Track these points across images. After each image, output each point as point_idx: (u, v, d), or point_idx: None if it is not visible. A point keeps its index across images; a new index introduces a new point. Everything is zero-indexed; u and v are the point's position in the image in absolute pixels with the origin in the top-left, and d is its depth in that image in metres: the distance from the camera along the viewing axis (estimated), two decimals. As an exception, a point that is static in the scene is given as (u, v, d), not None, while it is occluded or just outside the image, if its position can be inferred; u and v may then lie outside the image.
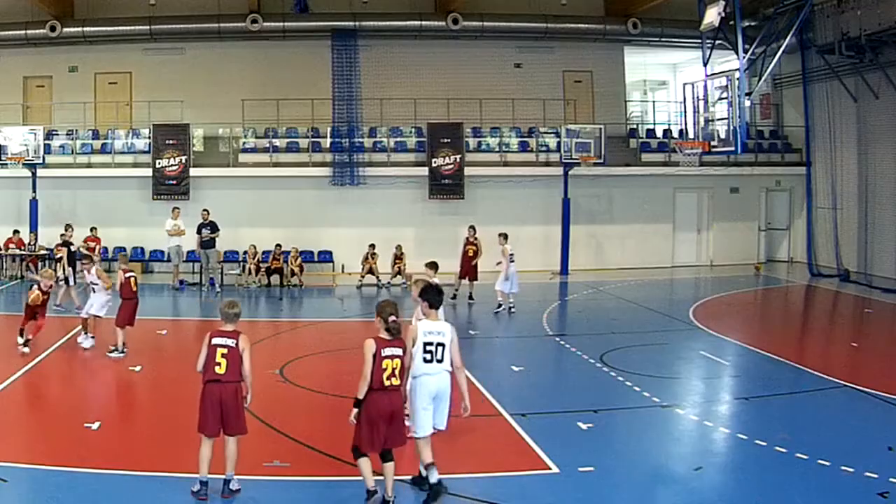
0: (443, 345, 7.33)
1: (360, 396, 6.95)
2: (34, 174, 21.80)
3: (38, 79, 24.32)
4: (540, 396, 10.79)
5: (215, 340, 7.25)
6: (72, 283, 16.96)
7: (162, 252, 22.15)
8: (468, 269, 18.68)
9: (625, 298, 19.51)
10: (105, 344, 12.80)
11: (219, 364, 7.17)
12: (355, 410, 7.00)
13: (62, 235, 19.00)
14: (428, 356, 7.28)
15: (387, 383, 6.93)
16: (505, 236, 17.42)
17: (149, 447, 8.60)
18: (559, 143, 23.35)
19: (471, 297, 18.35)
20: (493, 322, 16.49)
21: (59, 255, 21.24)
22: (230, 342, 7.23)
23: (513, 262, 16.89)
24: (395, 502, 7.12)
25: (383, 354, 6.93)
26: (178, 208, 20.93)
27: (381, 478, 7.14)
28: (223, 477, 7.30)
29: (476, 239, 18.84)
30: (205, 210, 20.50)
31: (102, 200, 22.54)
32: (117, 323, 12.72)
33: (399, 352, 7.01)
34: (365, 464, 7.09)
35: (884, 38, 19.98)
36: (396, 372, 6.96)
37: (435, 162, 23.24)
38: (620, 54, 26.20)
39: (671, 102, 27.67)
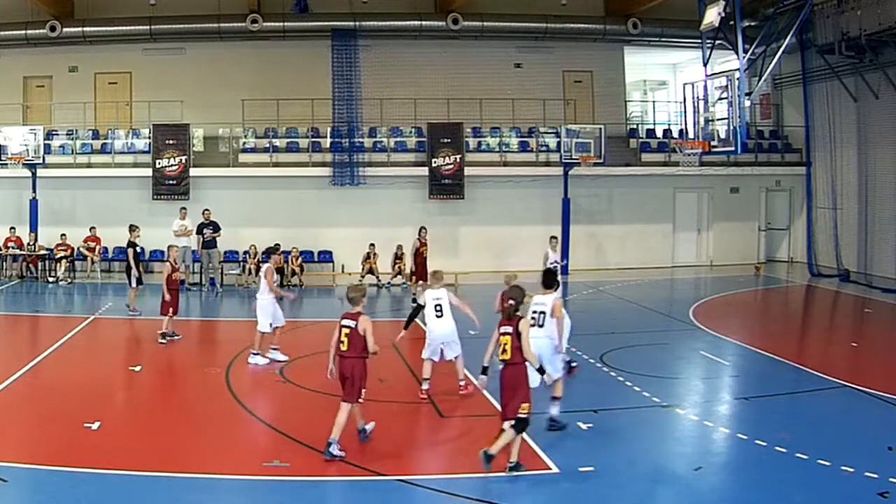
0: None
1: (485, 363, 8.44)
2: (34, 174, 21.80)
3: (38, 79, 24.31)
4: (540, 396, 10.76)
5: (342, 322, 8.46)
6: (136, 284, 16.79)
7: (163, 252, 22.08)
8: (423, 272, 18.65)
9: (625, 298, 19.51)
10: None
11: (342, 342, 8.36)
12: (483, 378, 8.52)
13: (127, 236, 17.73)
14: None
15: (501, 357, 8.04)
16: (556, 239, 17.36)
17: (149, 447, 8.60)
18: (559, 143, 23.35)
19: (415, 300, 18.13)
20: (492, 322, 16.43)
21: (59, 255, 21.35)
22: (351, 323, 8.37)
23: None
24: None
25: (500, 331, 8.13)
26: (185, 208, 20.85)
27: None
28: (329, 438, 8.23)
29: (426, 240, 19.05)
30: (206, 210, 20.50)
31: (102, 200, 22.54)
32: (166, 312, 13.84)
33: (510, 330, 8.02)
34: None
35: (884, 38, 19.97)
36: (507, 347, 8.00)
37: (435, 162, 23.24)
38: (620, 54, 26.20)
39: (671, 102, 27.65)
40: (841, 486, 7.64)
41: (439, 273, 11.03)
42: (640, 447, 8.98)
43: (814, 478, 7.87)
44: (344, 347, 8.34)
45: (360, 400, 8.43)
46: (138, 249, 17.08)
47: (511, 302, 8.11)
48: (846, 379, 11.43)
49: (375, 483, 7.71)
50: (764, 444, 8.74)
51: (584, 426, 9.39)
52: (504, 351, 7.98)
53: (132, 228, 16.96)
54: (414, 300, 17.83)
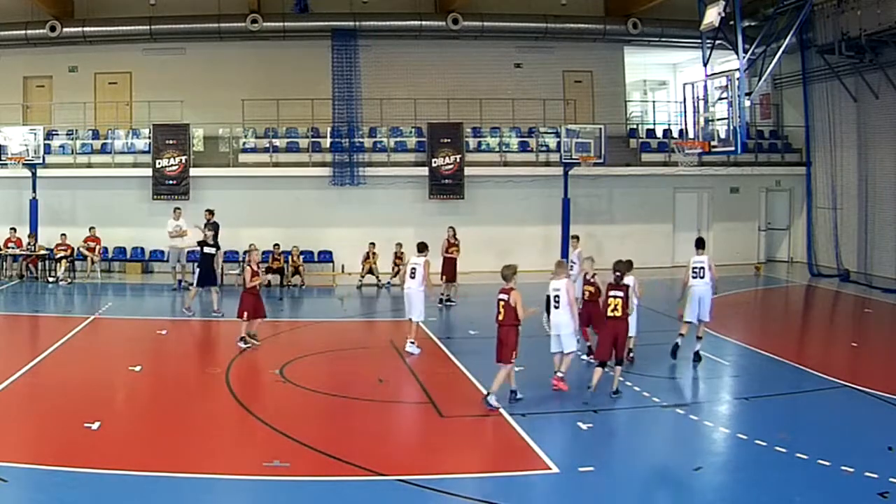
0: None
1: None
2: (34, 174, 21.76)
3: (38, 79, 24.28)
4: (540, 396, 10.78)
5: (499, 296, 10.07)
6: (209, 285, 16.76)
7: (162, 252, 22.12)
8: (451, 271, 18.59)
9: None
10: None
11: (500, 312, 10.03)
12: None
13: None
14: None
15: (610, 314, 10.49)
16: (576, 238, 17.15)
17: (149, 447, 8.60)
18: (559, 143, 23.33)
19: (450, 300, 18.20)
20: (492, 322, 16.43)
21: (58, 255, 21.34)
22: (504, 297, 10.00)
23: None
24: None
25: (609, 294, 10.56)
26: (179, 208, 20.82)
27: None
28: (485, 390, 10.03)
29: (456, 240, 18.91)
30: (208, 210, 20.45)
31: (102, 200, 22.52)
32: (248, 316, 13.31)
33: (620, 294, 10.48)
34: (596, 372, 10.53)
35: (884, 38, 19.97)
36: (618, 307, 10.44)
37: (435, 162, 23.23)
38: (620, 54, 26.19)
39: (671, 102, 27.64)
40: (841, 486, 7.64)
41: (562, 265, 11.51)
42: (640, 447, 8.99)
43: (814, 478, 7.87)
44: (501, 318, 9.98)
45: (513, 361, 9.97)
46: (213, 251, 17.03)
47: (618, 273, 10.61)
48: (846, 379, 11.43)
49: (375, 483, 7.71)
50: (764, 444, 8.74)
51: (584, 426, 9.39)
52: (615, 309, 10.40)
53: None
54: (441, 301, 17.87)
